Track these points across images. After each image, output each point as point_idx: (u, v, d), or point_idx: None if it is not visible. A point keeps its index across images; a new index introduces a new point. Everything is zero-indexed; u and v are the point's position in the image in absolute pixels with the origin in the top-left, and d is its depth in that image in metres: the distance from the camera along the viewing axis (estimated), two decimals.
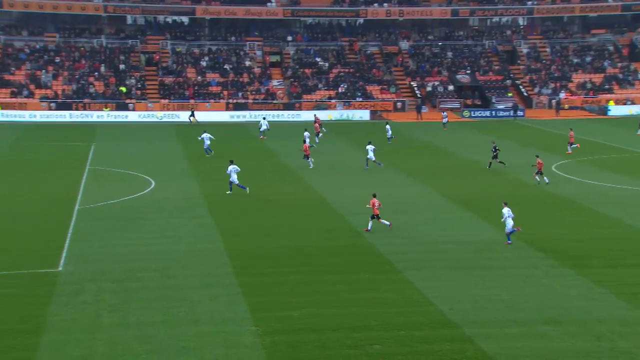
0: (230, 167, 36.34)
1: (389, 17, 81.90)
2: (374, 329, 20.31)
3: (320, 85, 75.15)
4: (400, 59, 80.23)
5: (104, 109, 67.68)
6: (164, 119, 67.15)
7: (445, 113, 64.00)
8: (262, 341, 19.50)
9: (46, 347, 18.83)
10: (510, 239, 28.02)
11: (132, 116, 67.12)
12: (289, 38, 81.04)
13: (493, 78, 78.27)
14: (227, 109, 70.42)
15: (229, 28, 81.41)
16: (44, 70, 71.07)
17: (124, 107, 68.50)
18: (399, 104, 73.75)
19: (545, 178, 39.07)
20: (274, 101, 72.54)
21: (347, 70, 77.58)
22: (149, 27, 79.91)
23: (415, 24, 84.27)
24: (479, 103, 75.54)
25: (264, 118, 58.69)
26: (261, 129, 56.49)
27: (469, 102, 75.53)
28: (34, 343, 19.00)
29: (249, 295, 22.68)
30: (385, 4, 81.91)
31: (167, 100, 70.41)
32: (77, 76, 71.24)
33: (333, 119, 69.73)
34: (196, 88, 72.64)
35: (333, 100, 72.92)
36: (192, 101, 69.70)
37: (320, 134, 55.08)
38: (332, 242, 28.73)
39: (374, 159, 43.45)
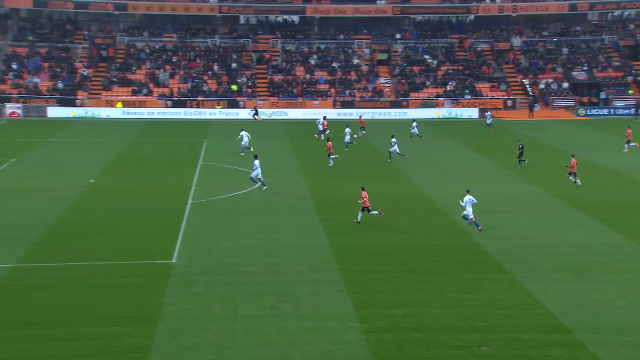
0: (255, 162, 37.19)
1: (502, 13, 79.99)
2: (480, 330, 20.03)
3: (428, 83, 74.44)
4: (512, 56, 78.19)
5: (216, 106, 69.87)
6: (273, 117, 68.53)
7: (489, 113, 61.69)
8: (366, 338, 19.64)
9: (162, 335, 19.74)
10: (479, 224, 28.99)
11: (243, 113, 68.92)
12: (398, 36, 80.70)
13: (612, 74, 74.85)
14: (334, 106, 71.00)
15: (338, 26, 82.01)
16: (161, 70, 74.14)
17: (235, 104, 70.48)
18: (509, 102, 71.93)
19: (577, 180, 37.14)
20: (381, 99, 72.47)
21: (456, 67, 76.43)
22: (261, 27, 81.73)
23: (529, 20, 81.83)
24: (596, 101, 72.49)
25: (325, 117, 56.79)
26: (319, 127, 54.66)
27: (585, 99, 72.62)
28: (150, 330, 19.96)
29: (353, 291, 22.87)
30: (497, 0, 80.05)
31: (276, 98, 71.82)
32: (192, 75, 73.89)
33: (441, 116, 68.92)
34: (304, 86, 73.67)
35: (441, 98, 72.04)
36: (257, 102, 70.49)
37: (361, 134, 54.54)
38: (437, 240, 28.50)
39: (398, 151, 45.22)
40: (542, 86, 73.97)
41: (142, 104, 69.22)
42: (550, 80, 74.27)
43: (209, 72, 74.69)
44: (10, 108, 65.89)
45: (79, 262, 25.34)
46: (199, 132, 58.60)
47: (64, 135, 56.36)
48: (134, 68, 74.20)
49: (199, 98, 70.78)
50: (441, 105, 70.91)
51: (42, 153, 48.17)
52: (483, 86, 73.84)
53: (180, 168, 43.26)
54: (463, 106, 70.79)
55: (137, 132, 59.21)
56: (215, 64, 75.87)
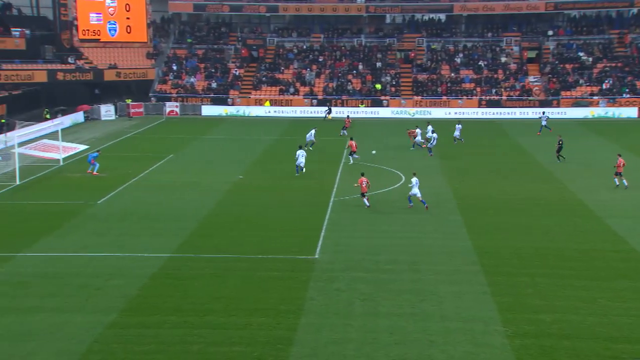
0: (298, 152, 40.38)
1: None
2: (637, 342, 18.71)
3: (581, 82, 70.80)
4: None
5: (360, 105, 70.29)
6: (416, 116, 67.93)
7: (545, 115, 57.10)
8: (511, 343, 18.93)
9: (304, 329, 20.04)
10: (411, 201, 31.90)
11: (384, 112, 68.84)
12: (550, 32, 77.41)
13: None
14: (480, 105, 69.29)
15: (486, 24, 79.94)
16: (308, 69, 75.64)
17: (378, 103, 70.56)
18: None
19: (624, 181, 33.91)
20: (529, 98, 69.82)
21: (614, 64, 72.12)
22: (406, 26, 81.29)
23: None
24: None
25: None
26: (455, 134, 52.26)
27: None
28: (293, 323, 20.33)
29: (497, 294, 22.15)
30: None
31: (419, 97, 71.16)
32: (337, 74, 74.80)
33: (595, 116, 65.38)
34: (449, 85, 72.45)
35: (595, 97, 68.28)
36: (401, 101, 69.51)
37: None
38: (589, 245, 27.01)
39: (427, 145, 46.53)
40: None
41: (288, 103, 70.97)
42: None
43: (354, 71, 75.26)
44: (170, 107, 69.79)
45: (226, 254, 26.27)
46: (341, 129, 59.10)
47: (216, 133, 58.89)
48: (282, 68, 76.20)
49: (344, 97, 71.51)
50: (596, 105, 67.22)
51: (196, 149, 50.54)
52: None
53: (324, 165, 43.81)
54: (620, 105, 66.72)
55: (283, 129, 60.73)
56: (360, 63, 76.33)
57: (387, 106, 70.07)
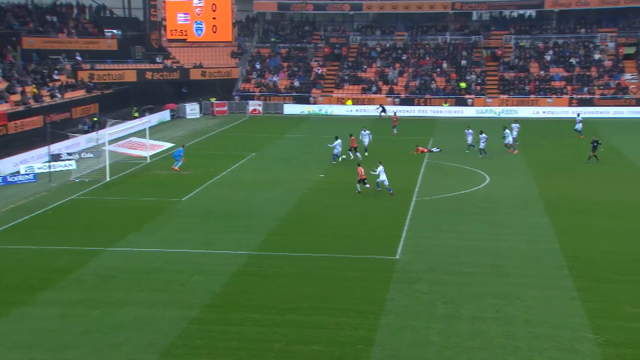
0: (336, 142, 43.39)
1: None
2: None
3: None
4: None
5: (443, 104, 69.46)
6: (502, 115, 66.54)
7: (579, 118, 53.66)
8: (603, 351, 18.30)
9: (384, 329, 19.97)
10: (380, 186, 34.63)
11: (468, 111, 67.75)
12: None
13: None
14: (570, 104, 67.24)
15: (579, 19, 77.46)
16: (391, 68, 75.33)
17: (462, 102, 69.53)
18: None
19: None
20: (625, 96, 67.23)
21: None
22: (494, 22, 79.74)
23: None
24: None
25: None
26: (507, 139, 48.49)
27: None
28: (374, 324, 20.29)
29: (586, 300, 21.46)
30: None
31: (506, 96, 69.66)
32: (421, 72, 74.16)
33: None
34: (537, 83, 70.62)
35: None
36: (486, 100, 67.83)
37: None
38: None
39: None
40: None
41: (370, 102, 70.88)
42: None
43: (438, 69, 74.43)
44: (252, 105, 71.00)
45: (307, 253, 26.46)
46: (425, 129, 58.61)
47: (298, 131, 59.43)
48: (365, 66, 76.17)
49: (427, 96, 70.83)
50: None
51: (278, 148, 51.16)
52: None
53: (406, 165, 43.59)
54: None
55: (373, 129, 60.62)
56: (445, 61, 75.41)
57: (472, 105, 68.95)
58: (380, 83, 73.39)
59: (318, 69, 76.26)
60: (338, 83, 74.16)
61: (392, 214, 32.08)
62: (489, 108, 67.99)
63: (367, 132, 47.75)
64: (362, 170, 35.80)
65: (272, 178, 40.41)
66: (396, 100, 70.62)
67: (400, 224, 30.10)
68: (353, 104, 70.75)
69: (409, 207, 33.18)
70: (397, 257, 25.97)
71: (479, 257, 25.70)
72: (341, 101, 71.55)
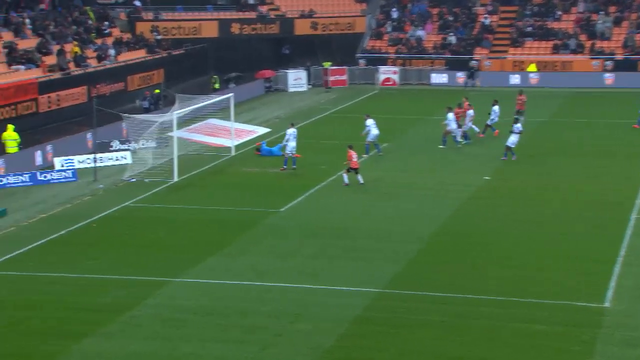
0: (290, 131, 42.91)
1: None
2: None
3: None
4: None
5: None
6: None
7: None
8: None
9: None
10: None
11: None
12: None
13: None
14: None
15: None
16: (601, 13, 72.65)
17: None
18: None
19: None
20: None
21: None
22: None
23: None
24: None
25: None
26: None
27: None
28: None
29: None
30: None
31: None
32: None
33: None
34: None
35: None
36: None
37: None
38: None
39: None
40: None
41: (565, 67, 69.30)
42: None
43: None
44: (385, 73, 71.03)
45: (462, 294, 26.18)
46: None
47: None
48: (559, 12, 74.58)
49: None
50: None
51: (422, 136, 51.06)
52: None
53: (620, 163, 42.98)
54: None
55: (555, 107, 59.45)
56: None
57: None
58: (583, 37, 71.56)
59: (486, 18, 75.31)
60: (516, 39, 73.01)
61: (597, 237, 31.61)
62: None
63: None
64: (354, 156, 38.10)
65: (412, 180, 40.49)
66: (607, 64, 68.60)
67: (610, 254, 29.58)
68: (538, 71, 69.45)
69: (626, 228, 32.54)
70: (607, 304, 25.50)
71: None
72: (519, 66, 70.41)
